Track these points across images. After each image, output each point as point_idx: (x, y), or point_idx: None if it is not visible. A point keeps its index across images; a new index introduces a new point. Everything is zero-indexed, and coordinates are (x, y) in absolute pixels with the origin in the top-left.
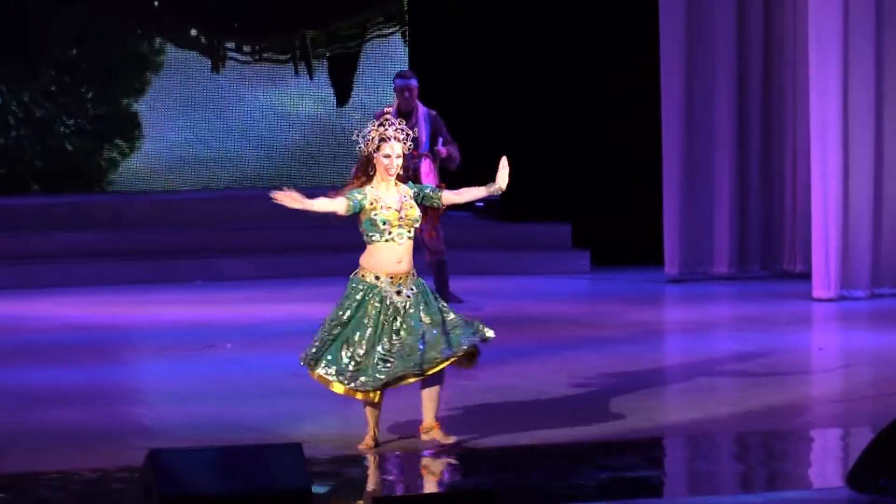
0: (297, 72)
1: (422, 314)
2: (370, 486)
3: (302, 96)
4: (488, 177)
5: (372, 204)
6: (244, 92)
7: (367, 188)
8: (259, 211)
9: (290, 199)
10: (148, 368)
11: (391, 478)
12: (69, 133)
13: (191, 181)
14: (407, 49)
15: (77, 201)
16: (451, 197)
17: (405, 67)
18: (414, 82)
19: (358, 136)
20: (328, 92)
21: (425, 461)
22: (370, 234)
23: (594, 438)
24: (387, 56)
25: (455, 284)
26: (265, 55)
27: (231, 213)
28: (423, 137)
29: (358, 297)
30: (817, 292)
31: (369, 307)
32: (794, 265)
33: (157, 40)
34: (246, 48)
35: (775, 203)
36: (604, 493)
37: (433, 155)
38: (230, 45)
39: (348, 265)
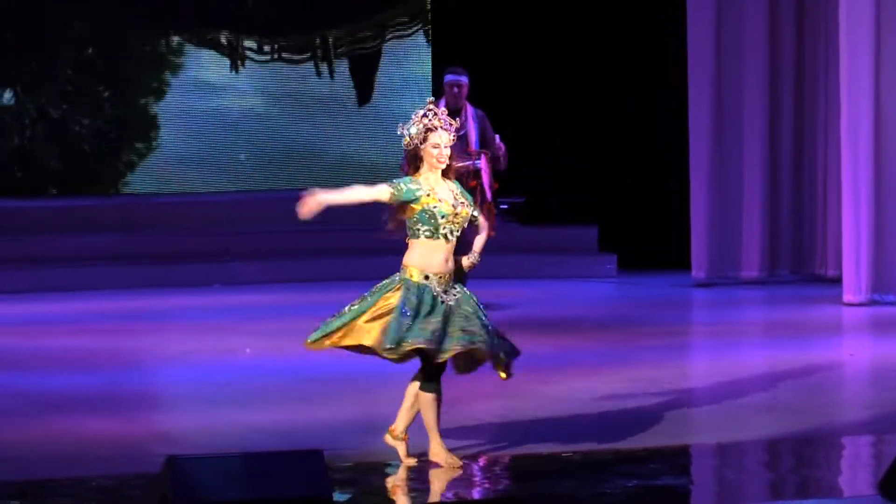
0: (317, 72)
1: (469, 308)
2: (393, 494)
3: (322, 96)
4: (517, 178)
5: (429, 195)
6: (263, 92)
7: (421, 179)
8: (278, 214)
9: (307, 207)
10: (165, 374)
11: (415, 486)
12: (86, 134)
13: (209, 183)
14: (430, 48)
15: (94, 204)
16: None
17: (427, 67)
18: (465, 79)
19: (403, 129)
20: (349, 92)
21: (450, 469)
22: (424, 227)
23: (621, 446)
24: (409, 55)
25: (480, 288)
26: (285, 55)
27: (250, 216)
28: (473, 137)
29: (394, 286)
30: (848, 297)
31: (415, 296)
32: (825, 269)
33: (175, 40)
34: (265, 48)
35: (806, 206)
36: (631, 501)
37: (489, 151)
38: (250, 44)
39: (369, 269)
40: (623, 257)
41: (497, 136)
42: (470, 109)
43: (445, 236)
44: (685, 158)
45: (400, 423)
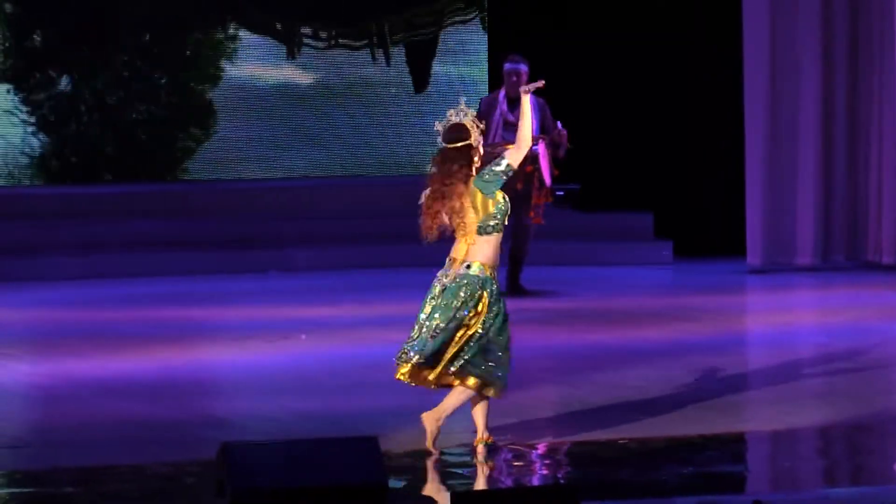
0: (374, 58)
1: (491, 318)
2: (449, 481)
3: (378, 83)
4: (572, 164)
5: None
6: (320, 79)
7: None
8: (334, 200)
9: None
10: (221, 360)
11: (471, 473)
12: (142, 120)
13: (265, 170)
14: (486, 36)
15: (149, 190)
16: (513, 154)
17: (484, 54)
18: (523, 67)
19: (473, 125)
20: (405, 79)
21: (506, 456)
22: (496, 221)
23: (676, 433)
24: (465, 43)
25: (535, 275)
26: (341, 41)
27: (306, 203)
28: (534, 124)
29: (485, 299)
30: None
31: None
32: (879, 256)
33: (232, 26)
34: (322, 34)
35: (860, 192)
36: (686, 488)
37: (547, 137)
38: (306, 31)
39: (421, 256)
40: (679, 244)
41: (559, 123)
42: (531, 97)
43: (500, 231)
44: (740, 145)
45: (479, 426)
